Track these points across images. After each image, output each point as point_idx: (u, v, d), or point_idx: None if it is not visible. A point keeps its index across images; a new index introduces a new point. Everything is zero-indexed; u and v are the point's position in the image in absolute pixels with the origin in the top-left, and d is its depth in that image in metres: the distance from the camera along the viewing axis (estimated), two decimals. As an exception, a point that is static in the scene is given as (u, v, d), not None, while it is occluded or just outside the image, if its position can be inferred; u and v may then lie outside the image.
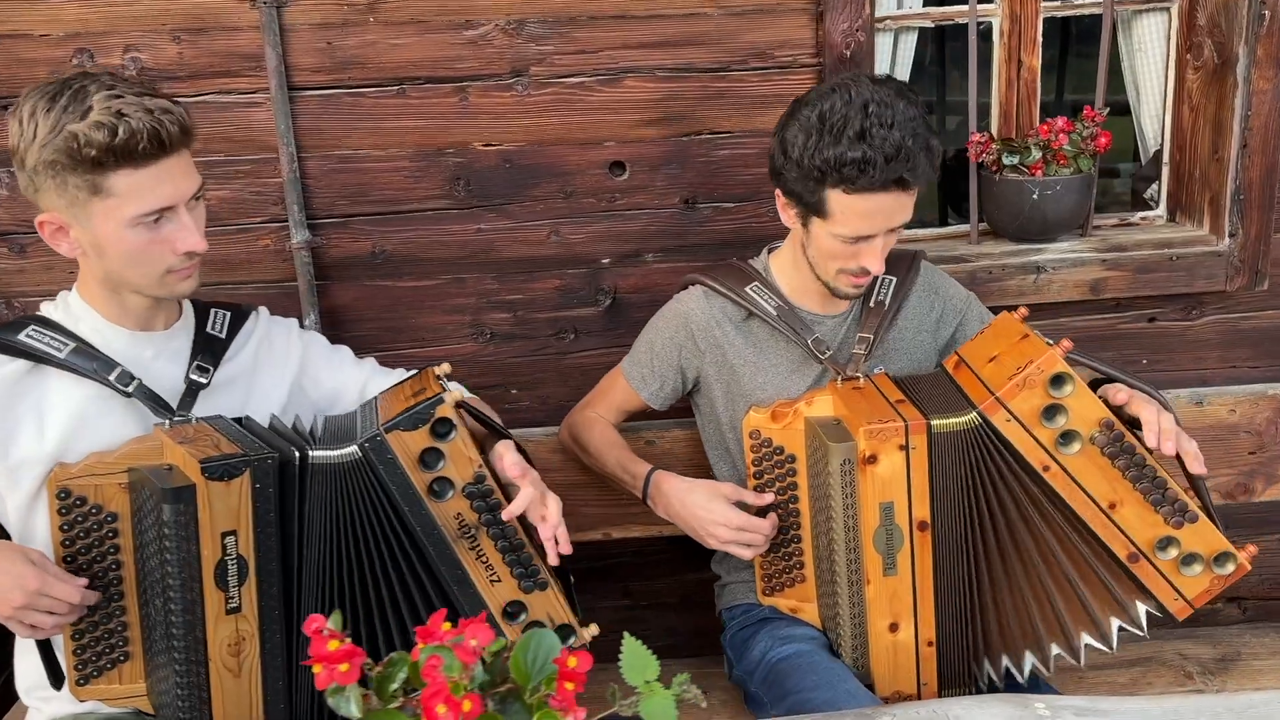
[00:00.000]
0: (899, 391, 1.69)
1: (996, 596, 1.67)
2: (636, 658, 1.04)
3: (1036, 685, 1.76)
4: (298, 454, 1.49)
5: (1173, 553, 1.61)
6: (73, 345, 1.55)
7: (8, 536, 1.60)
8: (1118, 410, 1.60)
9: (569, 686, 1.01)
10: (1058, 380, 1.55)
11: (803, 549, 1.78)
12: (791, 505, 1.77)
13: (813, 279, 1.79)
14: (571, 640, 1.60)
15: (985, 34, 2.31)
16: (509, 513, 1.52)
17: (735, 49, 2.13)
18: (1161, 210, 2.42)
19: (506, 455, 1.54)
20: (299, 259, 2.16)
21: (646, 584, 2.46)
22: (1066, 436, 1.56)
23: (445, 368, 1.63)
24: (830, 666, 1.69)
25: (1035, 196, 2.21)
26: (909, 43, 2.35)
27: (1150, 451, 1.58)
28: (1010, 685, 1.74)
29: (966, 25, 2.26)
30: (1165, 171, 2.40)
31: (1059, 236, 2.31)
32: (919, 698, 1.67)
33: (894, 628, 1.65)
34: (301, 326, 1.90)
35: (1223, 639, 2.14)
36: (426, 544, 1.52)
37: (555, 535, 1.51)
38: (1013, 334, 1.65)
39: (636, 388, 1.92)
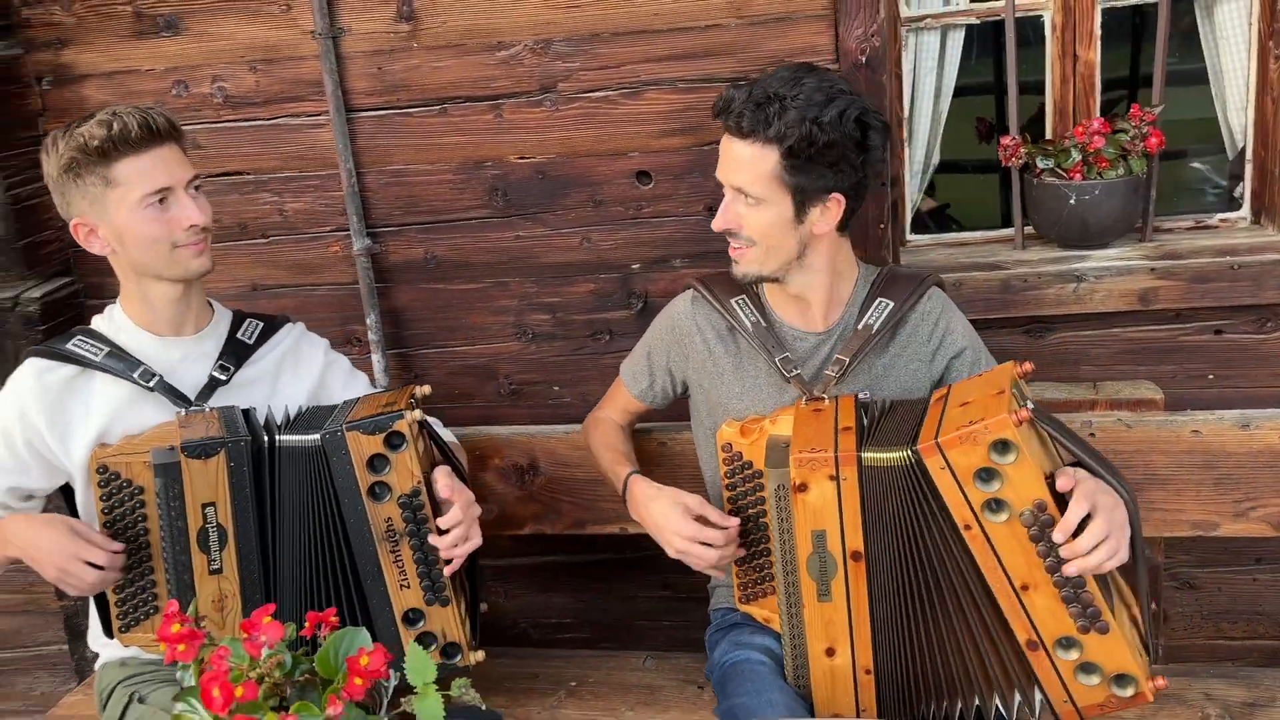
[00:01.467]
0: (852, 417, 1.68)
1: (936, 636, 1.63)
2: (418, 662, 1.17)
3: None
4: (267, 438, 1.70)
5: (1074, 655, 1.52)
6: (107, 350, 1.81)
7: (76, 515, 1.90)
8: (1061, 496, 1.49)
9: (358, 682, 1.14)
10: (1001, 446, 1.46)
11: (771, 562, 1.81)
12: (761, 519, 1.78)
13: (792, 294, 1.81)
14: (457, 659, 1.74)
15: (1038, 28, 2.20)
16: (441, 522, 1.68)
17: (755, 58, 2.15)
18: (1245, 211, 2.23)
19: (441, 478, 1.70)
20: (360, 264, 2.39)
21: (684, 577, 2.53)
22: (996, 504, 1.49)
23: (425, 389, 1.81)
24: (764, 677, 1.72)
25: (1072, 201, 2.10)
26: (957, 40, 2.27)
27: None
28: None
29: (1022, 20, 2.17)
30: (1249, 170, 2.20)
31: (1111, 242, 2.18)
32: (859, 723, 1.68)
33: (830, 652, 1.66)
34: (365, 325, 2.14)
35: (1261, 681, 1.97)
36: (353, 537, 1.69)
37: (455, 548, 1.68)
38: (996, 385, 1.56)
39: (628, 385, 2.00)
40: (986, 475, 1.48)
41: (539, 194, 2.31)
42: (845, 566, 1.62)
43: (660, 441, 2.19)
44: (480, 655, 1.78)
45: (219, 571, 1.71)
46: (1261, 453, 1.96)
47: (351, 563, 1.72)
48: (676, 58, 2.18)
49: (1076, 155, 2.08)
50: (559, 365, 2.43)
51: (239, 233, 2.46)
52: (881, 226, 2.17)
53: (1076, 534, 1.45)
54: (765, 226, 1.69)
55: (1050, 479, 1.49)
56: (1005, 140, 2.17)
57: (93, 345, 1.82)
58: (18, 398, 1.81)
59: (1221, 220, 2.24)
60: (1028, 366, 1.60)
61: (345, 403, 1.84)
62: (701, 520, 1.75)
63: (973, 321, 2.15)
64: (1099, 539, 1.44)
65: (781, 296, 1.84)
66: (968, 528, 1.51)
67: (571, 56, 2.21)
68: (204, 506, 1.68)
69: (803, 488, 1.60)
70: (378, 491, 1.69)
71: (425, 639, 1.74)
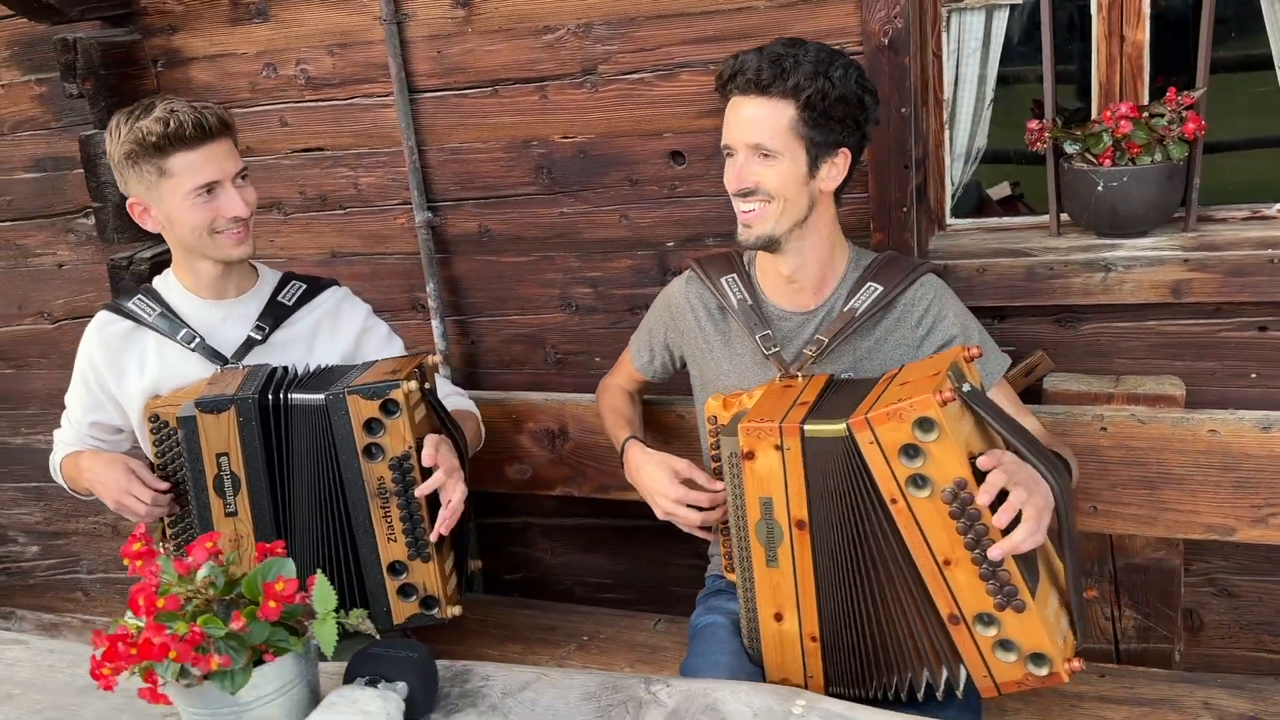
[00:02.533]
0: (816, 393, 1.72)
1: (874, 608, 1.64)
2: (323, 591, 1.30)
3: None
4: (277, 396, 1.87)
5: (993, 631, 1.52)
6: (159, 311, 2.03)
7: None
8: (986, 475, 1.49)
9: (272, 605, 1.29)
10: (924, 424, 1.48)
11: (739, 529, 1.87)
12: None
13: (784, 274, 1.85)
14: (435, 610, 1.87)
15: (1084, 7, 2.13)
16: (420, 490, 1.81)
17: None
18: (1308, 201, 2.09)
19: (428, 446, 1.83)
20: (421, 236, 2.56)
21: (715, 547, 2.61)
22: (920, 480, 1.50)
23: (435, 359, 1.96)
24: (721, 640, 1.79)
25: (1100, 188, 2.03)
26: (1001, 21, 2.22)
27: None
28: (927, 700, 1.70)
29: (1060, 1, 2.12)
30: (1312, 157, 2.07)
31: (1149, 231, 2.10)
32: (806, 689, 1.72)
33: (779, 618, 1.71)
34: (425, 292, 2.34)
35: (1270, 695, 1.88)
36: (349, 491, 1.85)
37: (446, 516, 1.82)
38: (935, 367, 1.58)
39: (632, 357, 2.09)
40: (911, 452, 1.50)
41: (581, 172, 2.42)
42: (791, 534, 1.66)
43: (679, 414, 2.27)
44: (457, 610, 1.91)
45: (234, 514, 1.90)
46: (1285, 456, 1.87)
47: (347, 514, 1.87)
48: (708, 40, 2.23)
49: (1108, 140, 2.01)
50: (600, 337, 2.53)
51: (320, 204, 2.68)
52: (905, 209, 2.16)
53: (993, 509, 1.46)
54: (782, 180, 1.73)
55: (975, 459, 1.49)
56: (1031, 124, 2.11)
57: (149, 305, 2.04)
58: (88, 344, 2.06)
59: (1280, 211, 2.12)
60: (974, 351, 1.61)
61: (362, 364, 1.99)
62: (690, 484, 1.83)
63: (998, 309, 2.15)
64: (1013, 515, 1.45)
65: (773, 277, 1.88)
66: (894, 501, 1.53)
67: (610, 39, 2.30)
68: (218, 456, 1.87)
69: (750, 455, 1.64)
70: (372, 452, 1.84)
71: (407, 590, 1.88)
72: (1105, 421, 1.96)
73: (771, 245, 1.80)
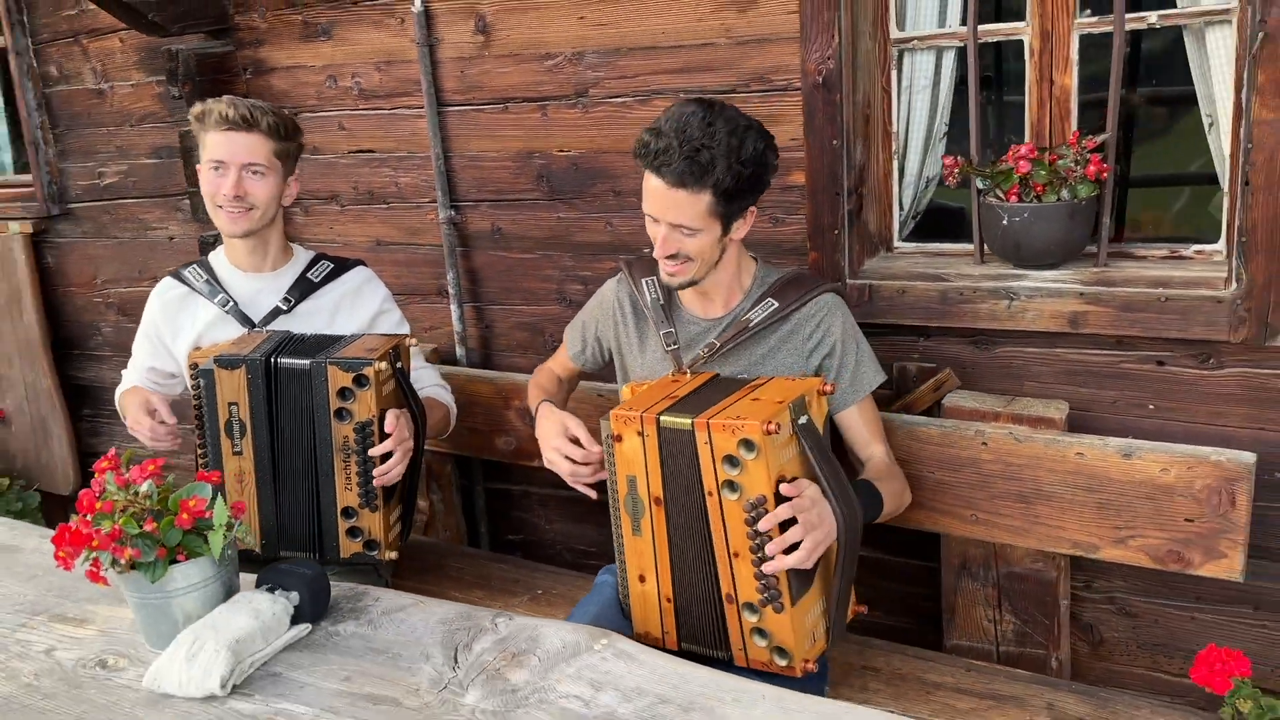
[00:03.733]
0: (690, 390, 1.96)
1: (700, 579, 1.88)
2: (219, 511, 1.67)
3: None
4: (271, 359, 2.25)
5: (753, 619, 1.77)
6: (205, 278, 2.47)
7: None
8: (783, 497, 1.73)
9: (184, 516, 1.67)
10: (746, 444, 1.71)
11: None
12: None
13: (701, 290, 2.10)
14: (375, 553, 2.21)
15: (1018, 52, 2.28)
16: (373, 451, 2.16)
17: (740, 73, 2.42)
18: (1221, 245, 2.18)
19: (389, 418, 2.17)
20: (444, 231, 2.93)
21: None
22: (733, 485, 1.74)
23: (412, 341, 2.31)
24: (603, 596, 2.07)
25: (1004, 222, 2.19)
26: (950, 59, 2.39)
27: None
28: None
29: (1017, 44, 2.27)
30: (1225, 203, 2.16)
31: (1060, 264, 2.23)
32: (663, 644, 1.97)
33: (642, 579, 1.97)
34: (446, 279, 2.71)
35: (1110, 704, 2.01)
36: (319, 445, 2.20)
37: (380, 472, 2.17)
38: (787, 393, 1.81)
39: (567, 346, 2.38)
40: (732, 461, 1.74)
41: (574, 182, 2.72)
42: (650, 509, 1.92)
43: (600, 393, 2.55)
44: (394, 555, 2.25)
45: (240, 454, 2.29)
46: (1142, 483, 2.00)
47: (316, 462, 2.23)
48: (678, 71, 2.49)
49: (1015, 178, 2.16)
50: (589, 329, 2.83)
51: (369, 199, 3.09)
52: (836, 232, 2.37)
53: (784, 528, 1.71)
54: (701, 247, 1.96)
55: (781, 481, 1.73)
56: (946, 160, 2.28)
57: (198, 273, 2.47)
58: (152, 303, 2.50)
59: (1197, 252, 2.21)
60: (829, 388, 1.86)
61: (351, 336, 2.35)
62: (574, 441, 2.09)
63: (921, 327, 2.35)
64: (790, 543, 1.71)
65: (690, 290, 2.14)
66: (710, 494, 1.78)
67: (599, 67, 2.60)
68: (230, 404, 2.26)
69: (618, 438, 1.91)
70: (342, 415, 2.19)
71: (354, 531, 2.24)
72: (985, 437, 2.13)
73: (693, 286, 2.05)
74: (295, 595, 1.77)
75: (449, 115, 2.86)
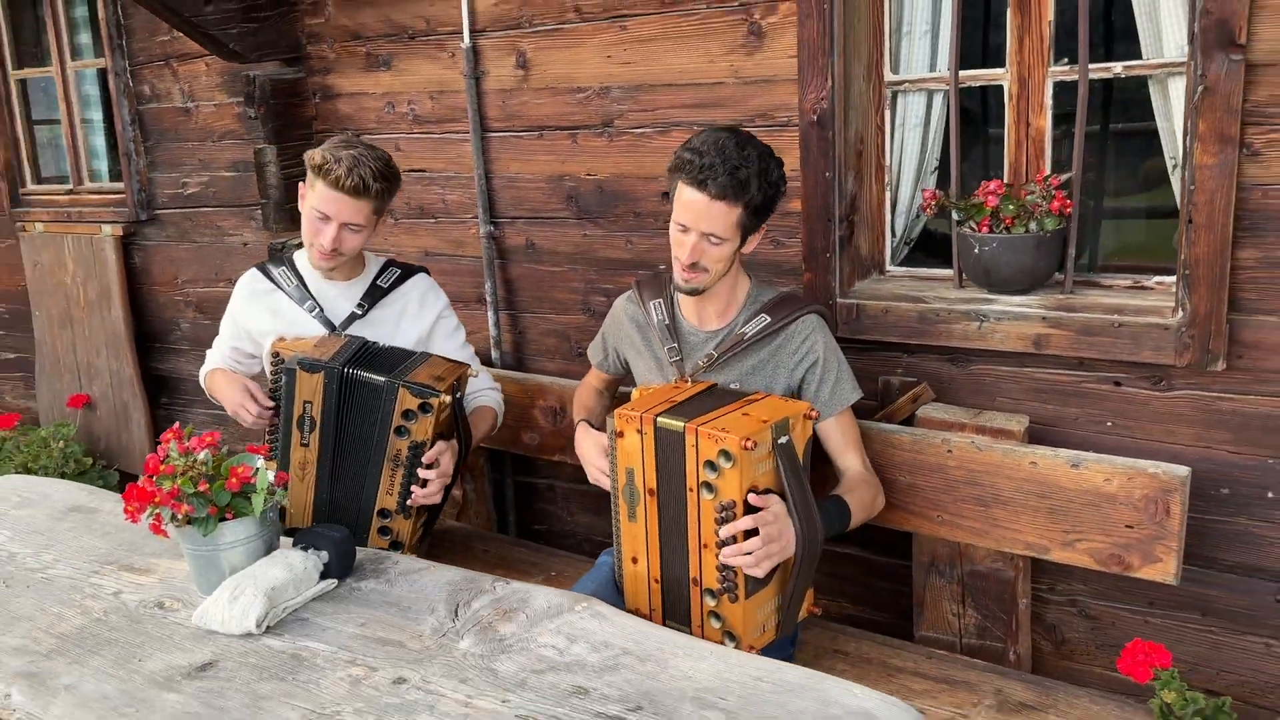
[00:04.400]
0: (689, 396, 2.20)
1: (680, 563, 2.13)
2: (263, 477, 1.96)
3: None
4: (346, 369, 2.50)
5: (711, 603, 2.02)
6: (295, 282, 2.73)
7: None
8: (751, 506, 1.98)
9: (233, 480, 1.97)
10: (725, 453, 1.95)
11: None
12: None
13: (698, 309, 2.34)
14: (399, 550, 2.47)
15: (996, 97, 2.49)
16: (421, 473, 2.44)
17: (747, 110, 2.67)
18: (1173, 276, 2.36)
19: (440, 447, 2.44)
20: (484, 244, 3.23)
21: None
22: (709, 487, 1.98)
23: (474, 372, 2.57)
24: (601, 574, 2.32)
25: (976, 251, 2.40)
26: (940, 100, 2.61)
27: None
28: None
29: (1000, 87, 2.49)
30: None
31: (1030, 290, 2.43)
32: (649, 619, 2.21)
33: (635, 561, 2.22)
34: (485, 288, 2.97)
35: (1053, 693, 2.20)
36: (375, 451, 2.46)
37: (419, 496, 2.45)
38: (775, 413, 2.04)
39: (591, 357, 2.64)
40: (711, 466, 1.98)
41: (599, 203, 2.99)
42: (645, 499, 2.17)
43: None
44: (411, 555, 2.53)
45: (306, 446, 2.55)
46: (1088, 491, 2.19)
47: (369, 464, 2.49)
48: (692, 105, 2.75)
49: (987, 211, 2.38)
50: (611, 338, 3.10)
51: (420, 214, 3.40)
52: (828, 255, 2.60)
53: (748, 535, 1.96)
54: (721, 257, 2.21)
55: (752, 491, 1.96)
56: (926, 192, 2.50)
57: (288, 275, 2.69)
58: (239, 292, 2.74)
59: (1157, 283, 2.39)
60: (814, 414, 2.09)
61: (422, 354, 2.56)
62: None
63: (903, 344, 2.57)
64: (747, 551, 1.95)
65: (690, 302, 2.38)
66: (692, 491, 2.02)
67: (624, 100, 2.87)
68: (305, 402, 2.52)
69: (620, 435, 2.17)
70: (401, 431, 2.44)
71: (384, 530, 2.50)
72: (951, 445, 2.34)
73: (698, 294, 2.30)
74: (325, 554, 2.06)
75: (491, 140, 3.15)
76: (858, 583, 2.84)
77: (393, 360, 2.52)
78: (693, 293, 2.28)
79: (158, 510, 1.96)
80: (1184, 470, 2.10)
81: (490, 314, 3.27)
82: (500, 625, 1.89)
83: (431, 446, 2.46)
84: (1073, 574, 2.51)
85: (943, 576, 2.46)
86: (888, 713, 1.58)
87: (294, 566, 2.01)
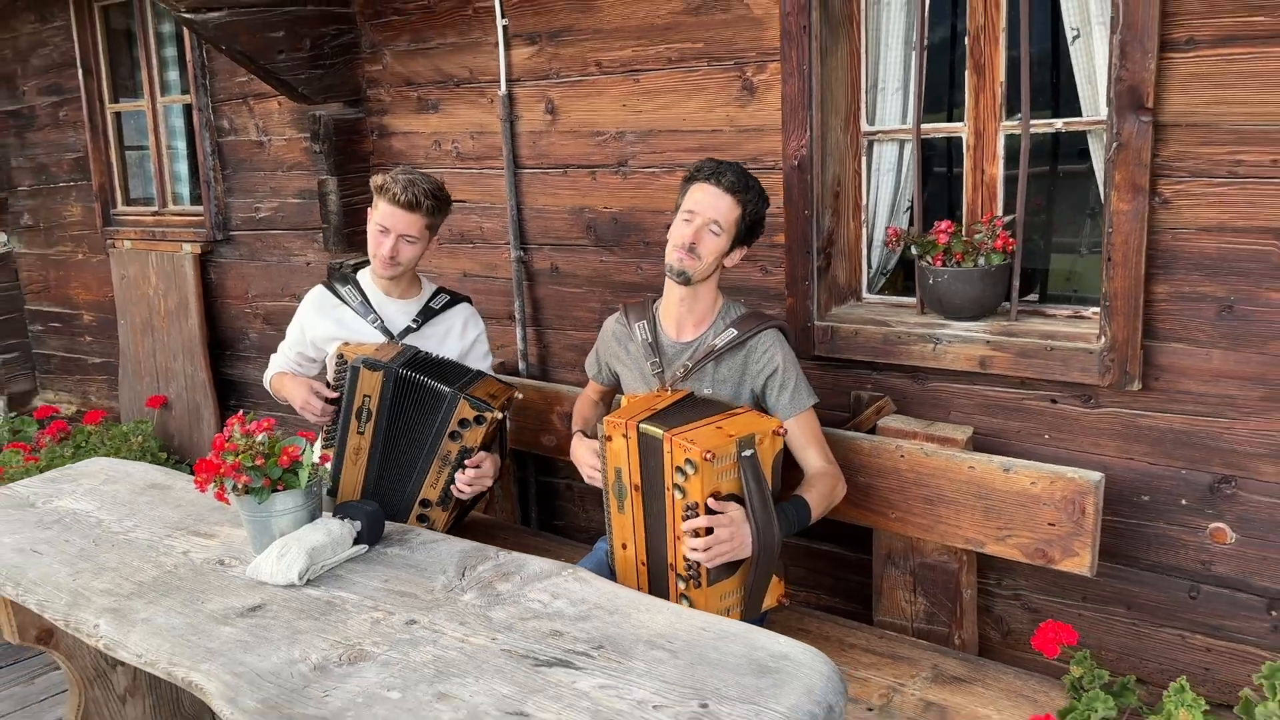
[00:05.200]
0: (668, 404, 2.56)
1: (663, 549, 2.48)
2: (308, 455, 2.36)
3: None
4: (411, 372, 2.89)
5: (681, 587, 2.37)
6: (360, 298, 3.13)
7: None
8: (711, 509, 2.32)
9: (285, 458, 2.37)
10: (690, 462, 2.30)
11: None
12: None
13: (676, 303, 2.69)
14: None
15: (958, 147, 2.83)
16: (463, 474, 2.82)
17: (740, 154, 3.03)
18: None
19: (484, 455, 2.82)
20: (514, 267, 3.63)
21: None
22: (680, 489, 2.32)
23: (519, 395, 2.96)
24: (597, 556, 2.68)
25: (931, 282, 2.73)
26: (909, 151, 2.96)
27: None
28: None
29: (959, 139, 2.83)
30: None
31: (981, 317, 2.76)
32: (634, 594, 2.56)
33: (624, 547, 2.57)
34: (514, 307, 3.38)
35: (983, 669, 2.50)
36: (427, 448, 2.84)
37: (466, 489, 2.82)
38: (746, 428, 2.37)
39: (588, 369, 3.01)
40: (682, 471, 2.33)
41: (614, 233, 3.38)
42: (631, 493, 2.52)
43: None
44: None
45: (362, 434, 2.93)
46: (1017, 493, 2.51)
47: (419, 459, 2.87)
48: (695, 149, 3.13)
49: (941, 247, 2.71)
50: (623, 353, 3.47)
51: (460, 239, 3.82)
52: (807, 283, 2.95)
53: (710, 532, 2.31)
54: (712, 249, 2.57)
55: (713, 496, 2.31)
56: (889, 230, 2.84)
57: (354, 293, 3.10)
58: (306, 304, 3.16)
59: (1093, 312, 2.70)
60: (783, 430, 2.42)
61: (476, 372, 2.94)
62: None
63: (870, 363, 2.90)
64: (703, 548, 2.30)
65: (673, 312, 2.72)
66: (668, 490, 2.37)
67: (636, 143, 3.26)
68: (364, 396, 2.90)
69: (609, 439, 2.53)
70: (454, 436, 2.82)
71: (422, 517, 2.88)
72: (903, 451, 2.67)
73: (684, 281, 2.64)
74: (359, 524, 2.46)
75: (522, 176, 3.56)
76: (833, 575, 3.17)
77: (445, 370, 2.88)
78: (681, 278, 2.58)
79: (222, 481, 2.37)
80: (1097, 476, 2.40)
81: (519, 330, 3.67)
82: (498, 584, 2.26)
83: (479, 451, 2.83)
84: (1016, 570, 2.81)
85: (897, 568, 2.78)
86: (802, 655, 1.92)
87: (332, 532, 2.40)
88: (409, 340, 3.02)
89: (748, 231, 2.57)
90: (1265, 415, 2.38)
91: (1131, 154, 2.38)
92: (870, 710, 2.39)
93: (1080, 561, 2.44)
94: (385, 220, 2.92)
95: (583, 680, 1.87)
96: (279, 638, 2.09)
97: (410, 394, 2.84)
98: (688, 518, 2.34)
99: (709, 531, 2.32)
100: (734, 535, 2.33)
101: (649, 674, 1.87)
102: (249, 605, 2.24)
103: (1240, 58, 2.26)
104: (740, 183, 2.53)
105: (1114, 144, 2.40)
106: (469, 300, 3.19)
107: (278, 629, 2.13)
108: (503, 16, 3.45)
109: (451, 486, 2.86)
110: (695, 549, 2.32)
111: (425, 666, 1.95)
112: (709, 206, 2.54)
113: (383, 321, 3.03)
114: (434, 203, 2.94)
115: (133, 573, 2.42)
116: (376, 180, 2.94)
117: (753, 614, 2.49)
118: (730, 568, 2.40)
